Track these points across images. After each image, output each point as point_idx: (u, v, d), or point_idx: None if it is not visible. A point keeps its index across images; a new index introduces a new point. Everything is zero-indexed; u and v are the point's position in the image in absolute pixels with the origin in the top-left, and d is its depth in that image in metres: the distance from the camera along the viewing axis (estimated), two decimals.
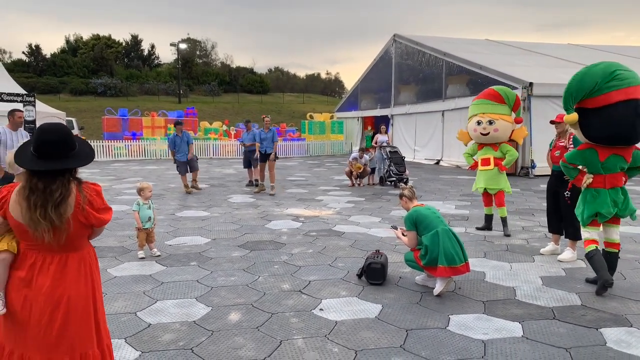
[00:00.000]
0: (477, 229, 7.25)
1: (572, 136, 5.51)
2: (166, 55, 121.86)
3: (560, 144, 5.64)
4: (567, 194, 5.45)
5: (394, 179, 12.30)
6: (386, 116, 24.09)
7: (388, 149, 12.89)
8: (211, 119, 34.93)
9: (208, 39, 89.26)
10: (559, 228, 5.80)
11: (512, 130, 6.94)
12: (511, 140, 7.06)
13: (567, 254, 5.59)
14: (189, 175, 11.52)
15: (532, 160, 14.48)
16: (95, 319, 2.33)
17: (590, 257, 4.54)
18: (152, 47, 70.23)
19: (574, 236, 5.57)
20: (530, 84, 14.56)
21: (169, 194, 10.96)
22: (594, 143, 4.50)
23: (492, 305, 4.20)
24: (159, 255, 5.72)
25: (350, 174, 12.51)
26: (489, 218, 7.22)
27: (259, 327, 3.72)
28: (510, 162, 6.91)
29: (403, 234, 4.80)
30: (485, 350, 3.33)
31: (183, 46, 55.61)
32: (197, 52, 71.76)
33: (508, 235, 6.82)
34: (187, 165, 11.27)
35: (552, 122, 5.73)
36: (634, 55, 22.21)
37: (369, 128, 26.38)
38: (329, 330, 3.65)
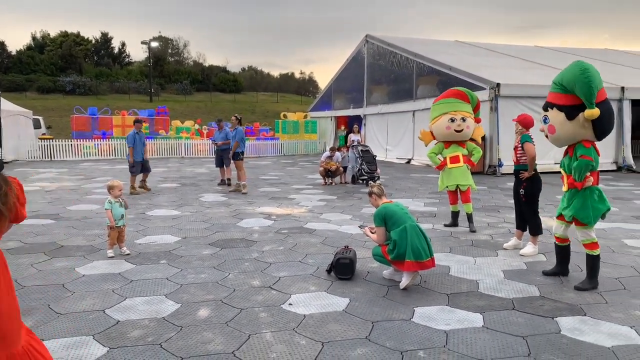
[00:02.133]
0: (445, 225, 7.45)
1: (521, 136, 5.77)
2: (137, 53, 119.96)
3: (517, 144, 5.87)
4: (522, 191, 5.71)
5: (366, 177, 12.45)
6: (359, 116, 24.31)
7: (360, 148, 13.05)
8: (183, 118, 34.57)
9: (180, 37, 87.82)
10: (523, 225, 6.02)
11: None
12: (472, 139, 7.34)
13: (529, 248, 5.80)
14: (140, 177, 11.19)
15: (499, 159, 14.85)
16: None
17: (594, 261, 4.58)
18: (123, 45, 69.03)
19: (535, 231, 5.79)
20: (498, 84, 14.92)
21: (140, 194, 10.85)
22: (597, 140, 4.49)
23: (455, 297, 4.35)
24: (129, 254, 5.70)
25: (324, 173, 12.61)
26: (455, 215, 7.42)
27: (228, 322, 3.77)
28: (478, 158, 7.30)
29: (372, 232, 4.91)
30: (447, 340, 3.46)
31: (154, 44, 54.75)
32: (169, 51, 70.83)
33: (474, 231, 7.02)
34: (141, 166, 11.02)
35: (514, 120, 5.96)
36: (595, 58, 22.98)
37: (343, 127, 26.55)
38: (297, 324, 3.73)
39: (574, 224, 4.63)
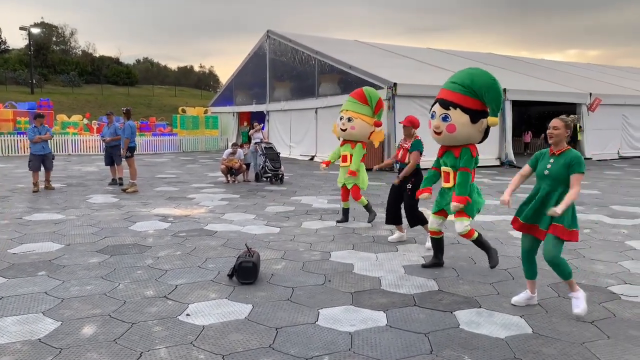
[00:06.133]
0: (337, 222, 7.50)
1: (415, 139, 5.95)
2: (15, 40, 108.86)
3: (405, 145, 6.00)
4: (409, 186, 5.85)
5: (270, 175, 12.27)
6: (262, 112, 24.01)
7: (263, 145, 12.83)
8: (70, 112, 31.88)
9: (66, 24, 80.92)
10: (395, 219, 6.19)
11: (371, 132, 7.17)
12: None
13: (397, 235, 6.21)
14: (42, 175, 10.55)
15: None
16: None
17: (480, 240, 4.95)
18: None
19: (418, 222, 5.98)
20: (395, 84, 15.47)
21: (17, 195, 9.73)
22: (479, 143, 4.86)
23: (359, 296, 4.33)
24: None
25: (226, 171, 12.22)
26: (345, 211, 7.55)
27: (116, 339, 3.40)
28: (355, 166, 7.10)
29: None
30: (352, 342, 3.41)
31: (36, 31, 49.94)
32: (54, 39, 64.97)
33: (370, 221, 7.28)
34: (41, 162, 10.28)
35: (403, 122, 6.06)
36: (481, 61, 24.78)
37: (245, 124, 26.08)
38: (195, 337, 3.46)
39: (454, 217, 4.84)
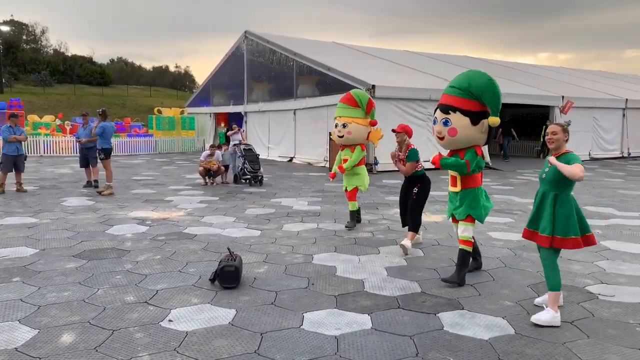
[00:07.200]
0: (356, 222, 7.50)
1: (410, 148, 5.90)
2: None
3: (400, 154, 5.98)
4: (415, 190, 5.89)
5: (249, 176, 12.18)
6: (240, 113, 23.84)
7: (242, 147, 12.73)
8: (42, 112, 31.09)
9: (37, 22, 79.09)
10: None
11: (369, 132, 7.21)
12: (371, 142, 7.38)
13: (406, 242, 5.89)
14: (12, 177, 10.36)
15: (375, 158, 15.50)
16: None
17: (466, 257, 4.81)
18: None
19: (414, 228, 5.93)
20: (373, 86, 15.53)
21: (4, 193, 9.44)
22: (485, 145, 4.85)
23: (343, 298, 4.33)
24: None
25: (204, 173, 12.08)
26: (357, 211, 7.53)
27: (97, 347, 3.32)
28: (349, 164, 7.17)
29: None
30: (338, 346, 3.39)
31: (5, 28, 48.60)
32: (24, 37, 63.33)
33: (348, 228, 7.18)
34: (13, 163, 10.17)
35: (393, 130, 6.07)
36: (456, 63, 25.14)
37: (222, 125, 25.84)
38: (179, 343, 3.40)
39: (461, 221, 4.79)
